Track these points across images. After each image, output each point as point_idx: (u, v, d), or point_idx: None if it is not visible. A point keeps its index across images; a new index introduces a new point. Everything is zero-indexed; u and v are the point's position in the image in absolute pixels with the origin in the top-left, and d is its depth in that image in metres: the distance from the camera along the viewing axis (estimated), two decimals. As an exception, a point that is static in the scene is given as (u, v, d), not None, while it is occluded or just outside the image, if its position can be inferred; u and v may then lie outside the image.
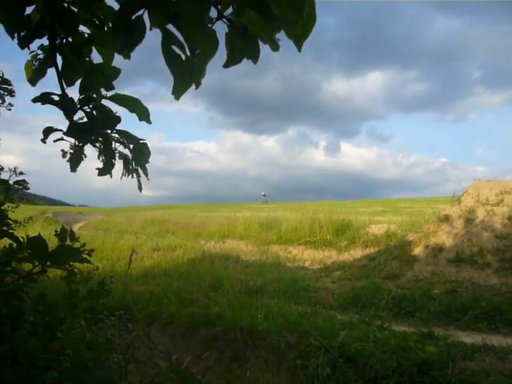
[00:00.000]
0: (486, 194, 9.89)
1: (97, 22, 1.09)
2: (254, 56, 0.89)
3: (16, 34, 1.07)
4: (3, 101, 1.85)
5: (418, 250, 9.56)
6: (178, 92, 0.89)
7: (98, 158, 1.34)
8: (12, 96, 1.87)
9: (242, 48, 0.87)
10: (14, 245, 1.87)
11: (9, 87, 1.97)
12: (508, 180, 10.41)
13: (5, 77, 2.05)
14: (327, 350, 4.77)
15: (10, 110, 1.86)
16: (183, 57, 0.87)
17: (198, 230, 17.51)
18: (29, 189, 1.96)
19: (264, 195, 42.82)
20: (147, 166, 1.36)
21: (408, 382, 4.34)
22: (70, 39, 1.06)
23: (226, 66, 0.88)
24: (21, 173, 2.07)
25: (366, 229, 13.68)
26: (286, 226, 15.54)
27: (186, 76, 0.87)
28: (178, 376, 1.07)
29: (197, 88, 0.91)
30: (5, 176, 1.91)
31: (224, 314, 6.29)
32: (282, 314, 6.19)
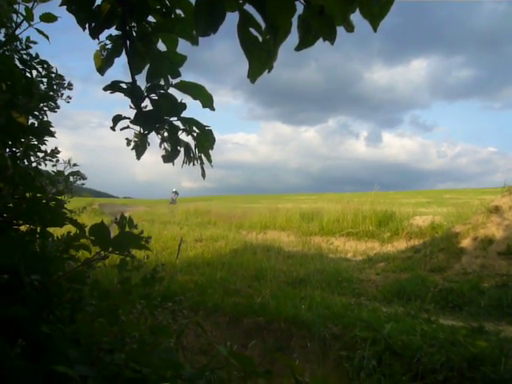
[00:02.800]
0: (540, 185, 9.46)
1: (164, 10, 1.11)
2: (331, 37, 0.86)
3: (87, 25, 1.11)
4: (61, 94, 1.92)
5: (465, 242, 9.26)
6: (254, 75, 0.89)
7: (160, 146, 1.38)
8: (70, 89, 1.94)
9: (318, 29, 0.85)
10: (72, 233, 1.95)
11: (63, 82, 2.05)
12: None
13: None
14: (373, 342, 4.72)
15: (68, 102, 1.93)
16: (260, 39, 0.86)
17: (239, 221, 17.65)
18: (86, 178, 2.02)
19: (175, 193, 32.96)
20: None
21: (457, 377, 4.23)
22: (136, 28, 1.09)
23: (299, 48, 0.86)
24: (75, 164, 2.15)
25: (409, 220, 13.39)
26: (328, 218, 15.41)
27: (262, 59, 0.86)
28: (239, 361, 1.09)
29: (269, 72, 0.90)
30: (59, 168, 1.99)
31: (267, 304, 6.33)
32: (325, 304, 6.17)
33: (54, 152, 1.51)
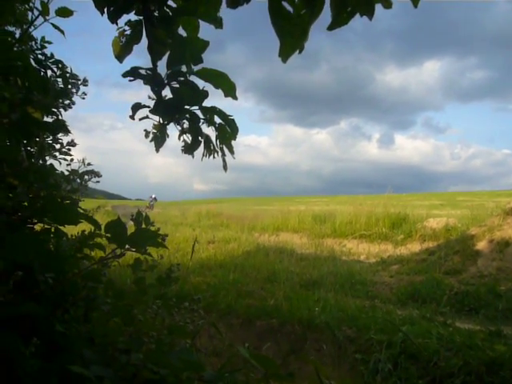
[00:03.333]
0: (557, 186, 9.28)
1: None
2: (370, 11, 0.80)
3: (106, 10, 1.08)
4: (77, 90, 1.91)
5: (481, 245, 9.12)
6: (286, 54, 0.83)
7: (179, 139, 1.34)
8: (85, 85, 1.93)
9: (355, 4, 0.80)
10: (87, 232, 1.94)
11: (78, 79, 2.05)
12: None
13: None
14: (389, 346, 4.64)
15: (83, 98, 1.92)
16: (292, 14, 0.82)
17: (251, 223, 17.61)
18: (101, 176, 2.01)
19: (154, 199, 31.88)
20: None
21: (476, 382, 4.15)
22: (156, 12, 1.06)
23: (332, 27, 0.80)
24: (89, 164, 2.14)
25: (423, 222, 13.24)
26: (341, 220, 15.31)
27: (296, 35, 0.81)
28: (261, 363, 1.05)
29: (300, 53, 0.84)
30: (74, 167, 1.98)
31: (281, 306, 6.28)
32: (339, 307, 6.11)
33: (71, 144, 1.49)
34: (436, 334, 4.93)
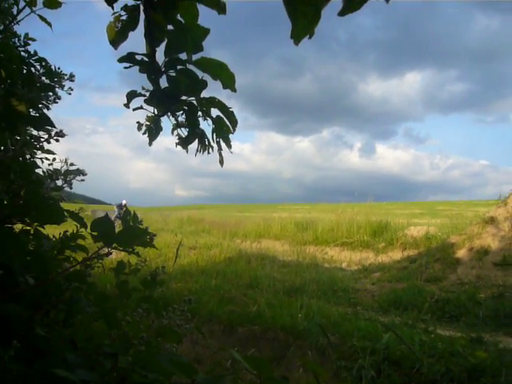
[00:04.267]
0: (534, 196, 9.48)
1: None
2: None
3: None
4: (63, 85, 1.86)
5: (461, 253, 9.24)
6: (299, 36, 0.78)
7: (172, 133, 1.29)
8: (72, 80, 1.87)
9: None
10: (69, 233, 1.87)
11: (65, 76, 1.98)
12: (558, 181, 9.95)
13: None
14: (372, 352, 4.63)
15: (70, 94, 1.86)
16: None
17: (233, 230, 17.56)
18: (86, 174, 1.95)
19: (123, 206, 23.40)
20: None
21: (458, 388, 4.16)
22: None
23: (343, 13, 0.75)
24: (72, 164, 2.07)
25: (404, 231, 13.39)
26: (323, 227, 15.41)
27: (309, 16, 0.76)
28: (254, 366, 1.01)
29: (310, 38, 0.79)
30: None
31: (263, 313, 6.23)
32: (322, 314, 6.09)
33: (59, 135, 1.42)
34: (418, 341, 4.93)
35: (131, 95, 1.21)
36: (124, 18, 1.09)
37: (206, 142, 1.33)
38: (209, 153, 1.35)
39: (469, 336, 5.29)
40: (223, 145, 1.33)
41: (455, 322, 6.51)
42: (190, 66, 1.13)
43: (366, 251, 13.25)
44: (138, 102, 1.24)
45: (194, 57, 1.12)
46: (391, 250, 12.45)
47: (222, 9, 1.01)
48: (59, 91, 1.95)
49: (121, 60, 1.11)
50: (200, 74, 1.15)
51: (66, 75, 1.91)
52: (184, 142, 1.30)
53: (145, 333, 1.28)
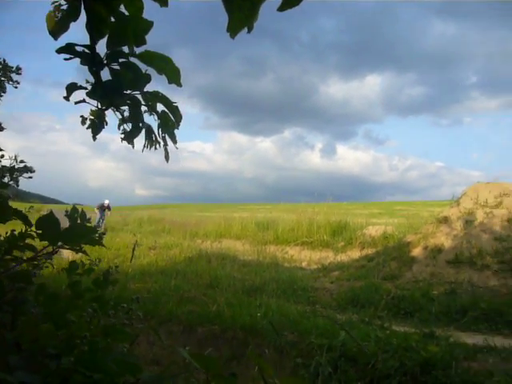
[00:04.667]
0: (485, 197, 9.87)
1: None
2: None
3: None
4: (9, 78, 1.79)
5: (416, 251, 9.52)
6: (234, 29, 0.78)
7: (118, 128, 1.26)
8: (18, 74, 1.80)
9: None
10: (16, 232, 1.79)
11: (12, 68, 1.91)
12: (507, 183, 10.41)
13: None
14: (329, 349, 4.70)
15: (16, 87, 1.79)
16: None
17: (194, 230, 17.41)
18: (34, 171, 1.88)
19: (104, 206, 21.31)
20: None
21: (411, 382, 4.28)
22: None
23: (282, 8, 0.76)
24: (21, 161, 2.00)
25: (362, 230, 13.65)
26: (283, 227, 15.50)
27: (245, 10, 0.77)
28: (202, 363, 1.00)
29: (249, 32, 0.80)
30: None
31: (223, 313, 6.21)
32: (281, 313, 6.13)
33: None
34: (374, 337, 5.04)
35: (71, 88, 1.16)
36: (64, 7, 1.05)
37: (154, 138, 1.30)
38: (156, 148, 1.32)
39: (422, 331, 5.46)
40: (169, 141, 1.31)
41: (410, 318, 6.70)
42: (135, 60, 1.10)
43: (326, 250, 13.42)
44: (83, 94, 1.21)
45: (139, 50, 1.10)
46: (350, 249, 12.66)
47: (163, 1, 0.99)
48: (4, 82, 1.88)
49: (59, 51, 1.07)
50: (145, 67, 1.12)
51: (13, 68, 1.84)
52: (128, 137, 1.27)
53: (93, 333, 1.25)
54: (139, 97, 1.20)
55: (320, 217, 15.40)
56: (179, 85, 1.16)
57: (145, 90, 1.20)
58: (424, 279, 8.38)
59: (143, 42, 1.08)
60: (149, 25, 1.07)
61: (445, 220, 9.94)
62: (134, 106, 1.20)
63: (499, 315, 6.36)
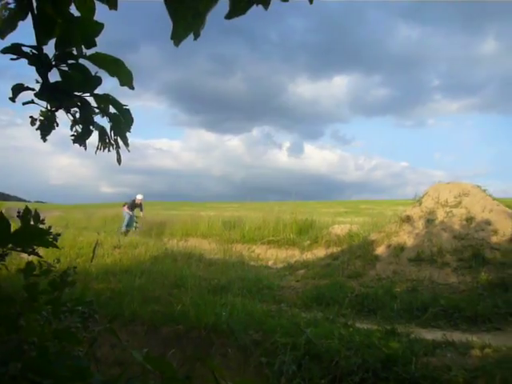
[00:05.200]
0: (445, 196, 10.17)
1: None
2: (266, 1, 0.78)
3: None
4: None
5: (380, 250, 9.71)
6: (178, 37, 0.78)
7: (71, 129, 1.22)
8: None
9: None
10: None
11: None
12: (466, 183, 10.75)
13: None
14: (293, 348, 4.73)
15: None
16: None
17: (160, 228, 17.23)
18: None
19: (136, 203, 18.18)
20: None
21: (372, 378, 4.36)
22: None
23: (229, 16, 0.77)
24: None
25: (328, 229, 13.80)
26: (250, 226, 15.54)
27: (188, 18, 0.77)
28: (156, 366, 0.98)
29: (195, 39, 0.80)
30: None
31: (188, 312, 6.16)
32: (246, 311, 6.13)
33: None
34: (338, 335, 5.11)
35: (17, 89, 1.13)
36: (12, 6, 1.01)
37: (107, 140, 1.28)
38: (109, 150, 1.30)
39: (384, 328, 5.57)
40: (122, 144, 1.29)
41: (373, 316, 6.82)
42: (86, 62, 1.08)
43: (292, 249, 13.52)
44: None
45: (90, 52, 1.07)
46: (316, 248, 12.79)
47: (112, 4, 0.97)
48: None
49: (4, 51, 1.04)
50: (96, 69, 1.10)
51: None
52: (79, 139, 1.24)
53: (44, 337, 1.21)
54: (91, 99, 1.17)
55: (287, 215, 15.51)
56: (131, 87, 1.14)
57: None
58: (387, 277, 8.57)
59: (93, 45, 1.06)
60: (99, 27, 1.05)
61: (407, 219, 10.18)
62: (84, 108, 1.17)
63: (457, 311, 6.55)
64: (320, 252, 12.20)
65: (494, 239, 8.91)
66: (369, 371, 4.41)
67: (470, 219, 9.45)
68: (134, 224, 17.70)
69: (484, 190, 10.44)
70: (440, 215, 9.79)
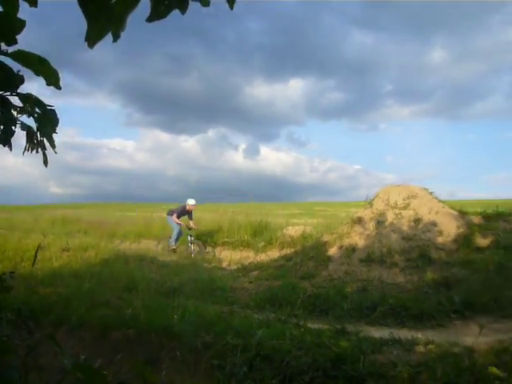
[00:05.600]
0: (394, 198, 10.51)
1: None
2: (183, 6, 0.79)
3: None
4: None
5: (332, 251, 9.91)
6: (92, 38, 0.76)
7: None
8: None
9: None
10: None
11: None
12: (414, 186, 11.16)
13: None
14: (244, 349, 4.73)
15: None
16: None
17: (112, 230, 16.80)
18: None
19: (186, 209, 15.12)
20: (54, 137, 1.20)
21: (322, 377, 4.42)
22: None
23: (150, 19, 0.77)
24: None
25: (282, 230, 13.95)
26: (205, 227, 15.46)
27: (102, 20, 0.75)
28: (85, 374, 0.94)
29: (115, 41, 0.78)
30: None
31: (138, 316, 6.03)
32: (198, 313, 6.07)
33: None
34: (289, 335, 5.15)
35: None
36: None
37: (35, 141, 1.22)
38: (37, 152, 1.25)
39: (334, 328, 5.67)
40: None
41: (324, 316, 6.94)
42: (8, 60, 1.03)
43: (247, 250, 13.57)
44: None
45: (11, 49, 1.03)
46: (270, 249, 12.89)
47: (32, 1, 0.94)
48: None
49: None
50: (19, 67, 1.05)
51: None
52: (1, 139, 1.19)
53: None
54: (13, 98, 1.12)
55: (241, 217, 15.56)
56: (58, 87, 1.10)
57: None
58: (339, 277, 8.76)
59: (13, 42, 1.01)
60: (21, 24, 1.00)
61: (359, 220, 10.45)
62: (5, 108, 1.11)
63: (404, 309, 6.78)
64: (274, 253, 12.32)
65: (440, 240, 9.31)
66: (319, 370, 4.47)
67: (417, 221, 9.82)
68: (189, 238, 14.45)
69: (431, 193, 10.89)
70: (390, 217, 10.12)
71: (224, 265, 12.29)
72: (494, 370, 4.08)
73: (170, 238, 14.39)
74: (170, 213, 14.86)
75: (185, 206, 14.83)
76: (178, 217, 14.61)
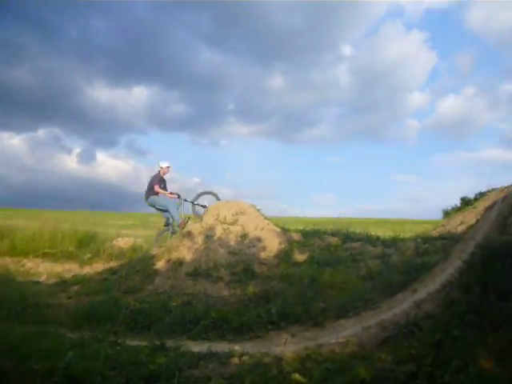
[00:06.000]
0: (224, 214, 10.92)
1: None
2: None
3: None
4: None
5: (160, 264, 9.81)
6: None
7: None
8: None
9: None
10: None
11: None
12: (244, 202, 11.77)
13: None
14: (50, 374, 4.33)
15: None
16: None
17: None
18: None
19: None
20: None
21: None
22: None
23: None
24: None
25: (112, 241, 13.38)
26: (22, 236, 13.90)
27: None
28: None
29: None
30: None
31: None
32: (1, 336, 5.40)
33: None
34: (104, 355, 4.90)
35: None
36: None
37: None
38: None
39: (153, 344, 5.58)
40: None
41: (146, 332, 6.76)
42: None
43: (70, 263, 12.58)
44: None
45: None
46: (96, 262, 12.19)
47: None
48: None
49: None
50: None
51: None
52: None
53: None
54: None
55: (67, 226, 14.44)
56: None
57: None
58: (164, 291, 8.68)
59: None
60: None
61: (188, 234, 10.57)
62: None
63: (226, 322, 6.98)
64: (100, 266, 11.68)
65: (263, 255, 9.93)
66: (132, 390, 4.33)
67: (244, 236, 10.34)
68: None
69: (258, 210, 11.60)
70: (218, 232, 10.46)
71: (42, 279, 11.22)
72: (297, 376, 4.43)
73: (170, 222, 12.17)
74: (150, 192, 11.98)
75: (158, 174, 12.06)
76: (164, 188, 12.03)
